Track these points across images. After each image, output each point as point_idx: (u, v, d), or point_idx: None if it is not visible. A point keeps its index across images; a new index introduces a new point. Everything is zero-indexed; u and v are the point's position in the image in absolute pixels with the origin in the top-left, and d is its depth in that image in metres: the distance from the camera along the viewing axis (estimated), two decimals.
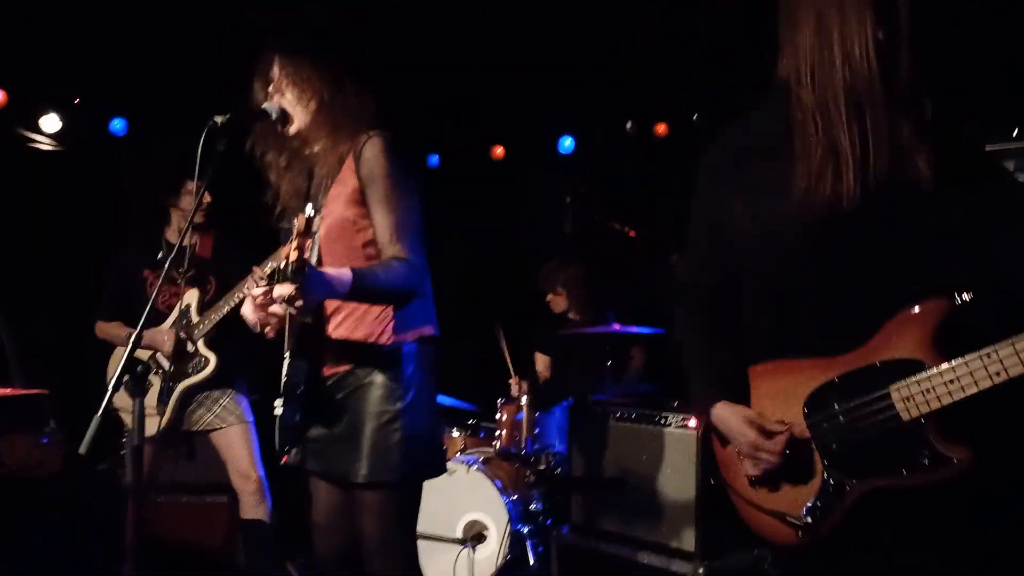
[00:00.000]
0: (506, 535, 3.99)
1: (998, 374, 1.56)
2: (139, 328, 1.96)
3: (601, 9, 4.86)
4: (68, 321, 4.46)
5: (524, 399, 4.44)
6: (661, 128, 5.83)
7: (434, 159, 6.60)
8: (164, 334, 3.64)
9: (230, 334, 3.61)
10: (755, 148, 1.80)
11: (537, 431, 4.41)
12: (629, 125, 6.03)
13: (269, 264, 3.16)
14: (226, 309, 3.57)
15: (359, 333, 2.32)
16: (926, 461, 1.62)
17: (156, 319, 3.73)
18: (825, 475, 1.72)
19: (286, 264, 1.96)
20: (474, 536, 4.06)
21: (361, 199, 2.29)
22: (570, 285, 5.16)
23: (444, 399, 4.70)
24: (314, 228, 2.18)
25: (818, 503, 1.72)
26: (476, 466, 4.16)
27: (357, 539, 2.34)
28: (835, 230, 1.68)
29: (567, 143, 6.24)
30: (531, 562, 4.06)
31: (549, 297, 5.23)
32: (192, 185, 3.73)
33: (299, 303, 2.00)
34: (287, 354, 2.24)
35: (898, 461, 1.65)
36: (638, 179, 5.63)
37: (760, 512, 1.81)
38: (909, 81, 1.65)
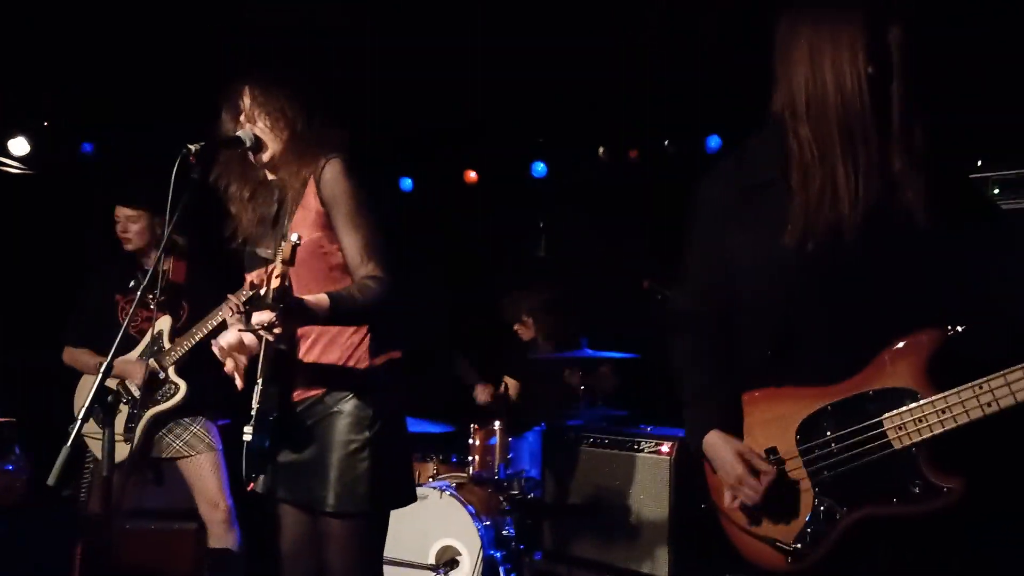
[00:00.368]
0: (479, 561, 3.97)
1: (989, 405, 1.58)
2: (110, 356, 1.94)
3: (574, 36, 4.91)
4: (35, 347, 4.40)
5: (497, 424, 4.43)
6: (633, 153, 5.88)
7: (407, 183, 6.61)
8: (135, 365, 3.60)
9: (201, 361, 3.57)
10: (753, 180, 1.82)
11: (510, 456, 4.40)
12: (601, 151, 6.08)
13: (244, 292, 3.16)
14: (199, 336, 3.53)
15: (330, 357, 2.32)
16: (917, 490, 1.63)
17: (127, 345, 3.68)
18: (816, 502, 1.74)
19: (266, 291, 1.96)
20: (447, 562, 4.03)
21: (326, 222, 2.30)
22: (535, 314, 5.16)
23: (416, 424, 4.69)
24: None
25: (808, 530, 1.73)
26: (449, 491, 4.15)
27: (323, 568, 2.32)
28: (832, 261, 1.70)
29: (540, 168, 6.27)
30: None
31: (516, 327, 5.23)
32: (124, 211, 3.71)
33: (278, 330, 1.99)
34: (259, 380, 2.23)
35: (889, 489, 1.66)
36: (610, 204, 5.67)
37: (750, 537, 1.82)
38: (901, 114, 1.68)
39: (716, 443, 1.85)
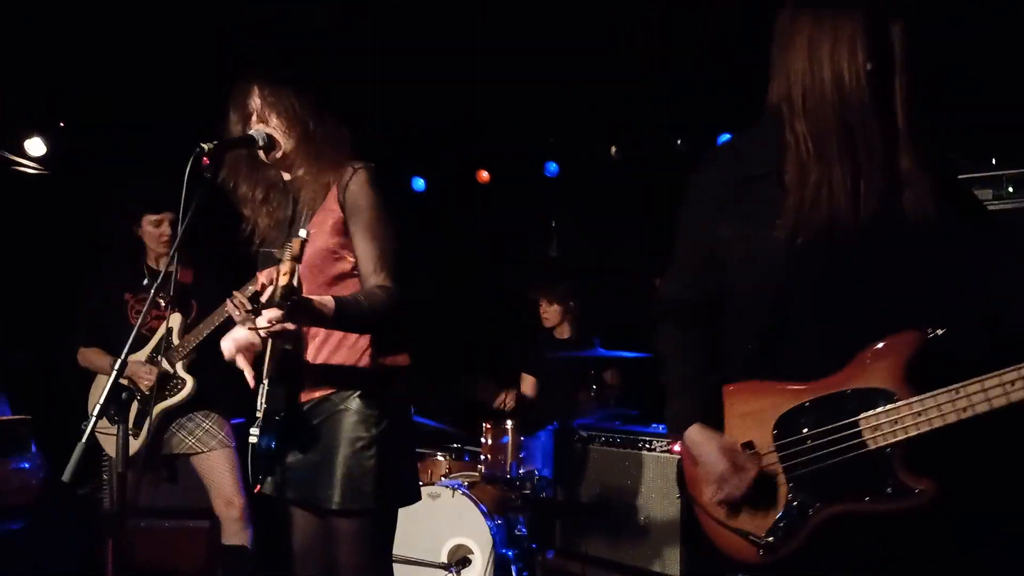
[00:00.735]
0: (491, 560, 3.98)
1: (964, 410, 1.59)
2: (124, 354, 1.96)
3: (587, 34, 4.91)
4: (50, 346, 4.43)
5: (509, 423, 4.44)
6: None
7: (420, 183, 6.62)
8: (144, 368, 3.63)
9: (210, 358, 3.59)
10: (747, 173, 1.82)
11: (522, 455, 4.40)
12: (613, 150, 6.08)
13: (249, 288, 3.19)
14: (206, 332, 3.57)
15: (336, 359, 2.33)
16: (889, 490, 1.65)
17: (138, 342, 3.69)
18: (790, 496, 1.75)
19: (274, 289, 1.97)
20: (459, 561, 4.04)
21: (344, 229, 2.31)
22: (563, 297, 5.20)
23: (428, 422, 4.70)
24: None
25: (781, 524, 1.75)
26: (461, 490, 4.15)
27: (332, 567, 2.33)
28: (821, 258, 1.70)
29: (552, 167, 6.28)
30: None
31: (542, 307, 5.25)
32: (152, 218, 3.76)
33: (289, 326, 2.01)
34: (266, 381, 2.24)
35: (862, 488, 1.67)
36: (622, 203, 5.67)
37: (724, 528, 1.83)
38: (907, 112, 1.67)
39: (699, 438, 1.85)
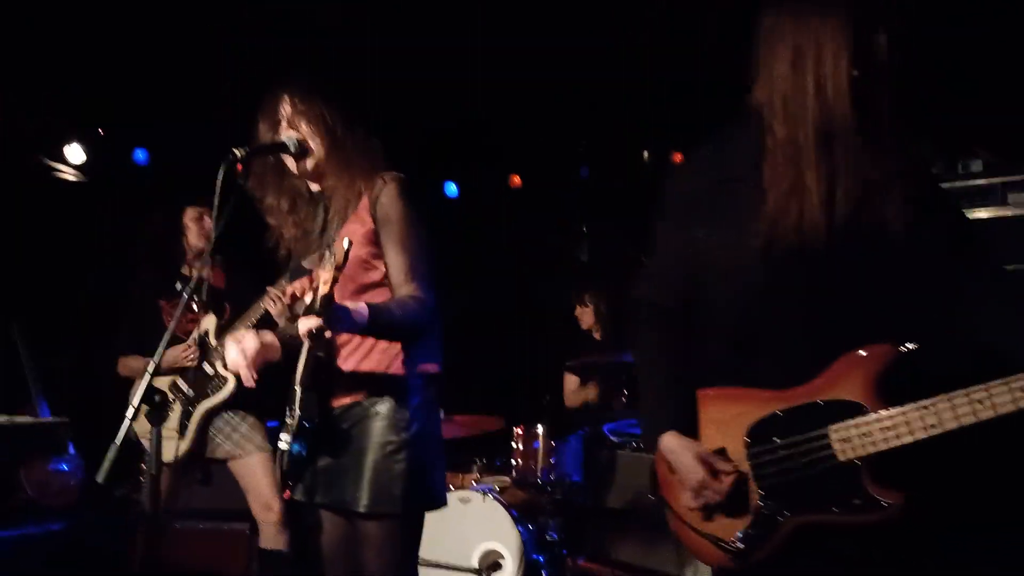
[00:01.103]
0: (522, 565, 3.97)
1: (933, 427, 1.58)
2: (158, 356, 1.99)
3: (620, 39, 4.90)
4: (91, 349, 4.51)
5: (540, 428, 4.43)
6: (678, 157, 5.85)
7: (452, 188, 6.65)
8: (183, 349, 3.67)
9: None
10: (726, 174, 1.79)
11: (553, 460, 4.40)
12: (646, 155, 6.07)
13: (281, 284, 3.24)
14: (242, 330, 3.60)
15: (367, 365, 2.34)
16: (857, 502, 1.64)
17: (173, 346, 3.76)
18: (760, 505, 1.74)
19: (314, 297, 1.98)
20: (490, 565, 4.04)
21: (375, 239, 2.33)
22: (597, 300, 5.24)
23: (461, 426, 4.71)
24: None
25: (751, 531, 1.74)
26: (492, 495, 4.15)
27: (360, 571, 2.34)
28: (796, 265, 1.69)
29: (584, 172, 6.28)
30: None
31: (577, 310, 5.29)
32: (192, 212, 3.82)
33: (326, 335, 2.03)
34: (298, 388, 2.26)
35: (831, 499, 1.67)
36: (655, 208, 5.64)
37: (695, 533, 1.82)
38: (885, 121, 1.65)
39: (674, 446, 1.83)
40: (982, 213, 2.65)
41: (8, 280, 4.89)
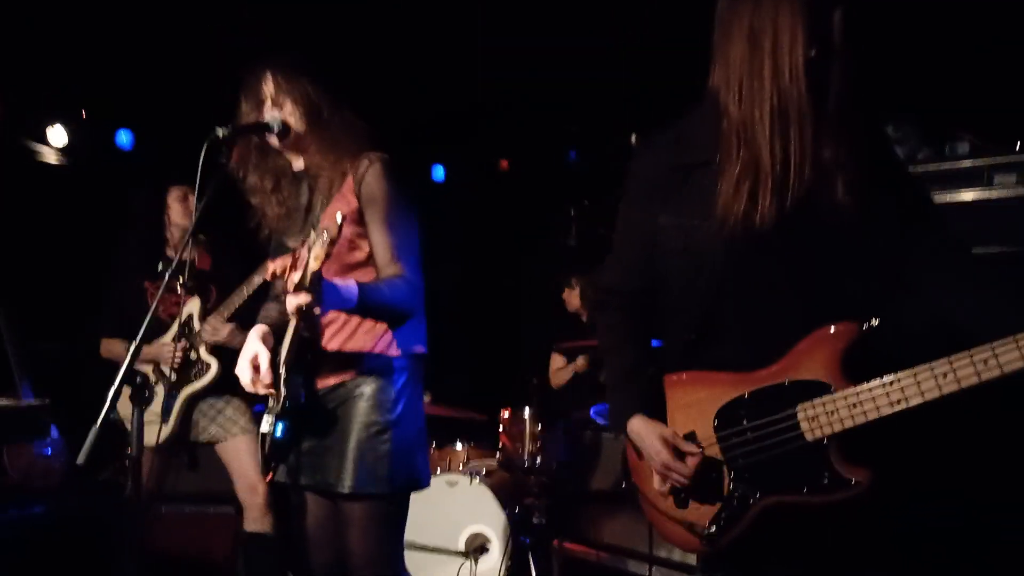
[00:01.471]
0: (508, 547, 3.98)
1: (898, 402, 1.59)
2: (139, 339, 1.97)
3: (607, 22, 4.88)
4: (74, 332, 4.48)
5: (527, 411, 4.44)
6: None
7: (440, 171, 6.62)
8: (168, 347, 3.66)
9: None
10: (686, 159, 1.80)
11: (539, 443, 4.40)
12: (634, 138, 6.04)
13: (255, 279, 3.25)
14: (226, 314, 3.59)
15: (352, 345, 2.33)
16: (826, 481, 1.66)
17: (158, 329, 3.74)
18: (732, 487, 1.76)
19: (303, 274, 1.97)
20: (476, 548, 4.05)
21: (360, 219, 2.31)
22: (584, 282, 5.26)
23: (448, 408, 4.71)
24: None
25: (723, 514, 1.76)
26: (478, 478, 4.16)
27: (345, 553, 2.33)
28: (751, 247, 1.69)
29: (572, 156, 6.26)
30: (533, 574, 4.05)
31: (564, 293, 5.31)
32: (177, 192, 3.79)
33: (316, 311, 2.01)
34: (283, 369, 2.24)
35: (800, 479, 1.68)
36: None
37: (667, 519, 1.84)
38: (839, 101, 1.65)
39: (641, 430, 1.85)
40: (968, 195, 2.65)
41: None
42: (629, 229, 1.94)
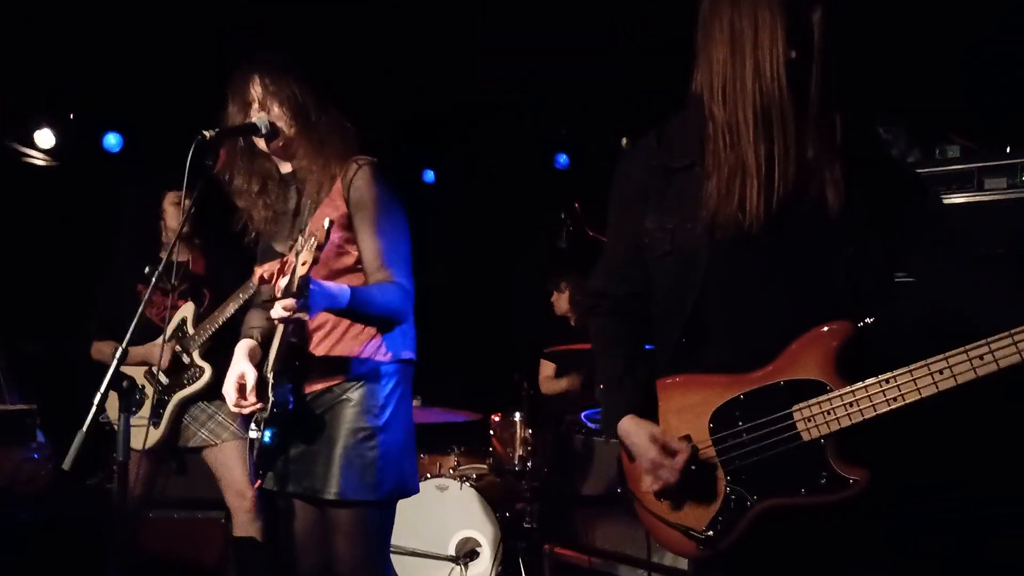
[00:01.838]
0: (499, 552, 3.97)
1: (895, 399, 1.59)
2: (125, 341, 1.95)
3: (599, 24, 4.88)
4: (61, 335, 4.45)
5: (517, 415, 4.42)
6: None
7: (430, 175, 6.61)
8: (159, 348, 3.63)
9: (225, 345, 3.59)
10: (670, 162, 1.80)
11: (530, 448, 4.39)
12: (624, 141, 6.04)
13: (266, 268, 3.21)
14: (221, 320, 3.57)
15: (339, 350, 2.32)
16: (824, 481, 1.65)
17: (151, 333, 3.72)
18: (728, 490, 1.74)
19: (291, 279, 1.96)
20: (467, 553, 4.03)
21: (348, 224, 2.30)
22: (573, 286, 5.27)
23: (437, 413, 4.69)
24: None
25: (720, 517, 1.74)
26: (469, 483, 4.15)
27: (332, 560, 2.32)
28: (740, 248, 1.70)
29: (562, 159, 6.26)
30: None
31: (553, 296, 5.30)
32: (173, 196, 3.79)
33: (303, 316, 2.00)
34: (270, 375, 2.23)
35: (798, 480, 1.67)
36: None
37: (663, 524, 1.82)
38: (820, 100, 1.66)
39: (630, 428, 1.84)
40: (959, 198, 2.66)
41: None
42: (617, 234, 1.95)
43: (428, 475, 4.28)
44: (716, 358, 1.77)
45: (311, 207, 2.35)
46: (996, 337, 1.51)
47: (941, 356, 1.55)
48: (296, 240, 1.99)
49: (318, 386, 2.32)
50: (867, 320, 1.66)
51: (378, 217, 2.28)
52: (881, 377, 1.60)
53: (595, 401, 4.58)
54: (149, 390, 3.68)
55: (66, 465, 1.80)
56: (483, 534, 4.03)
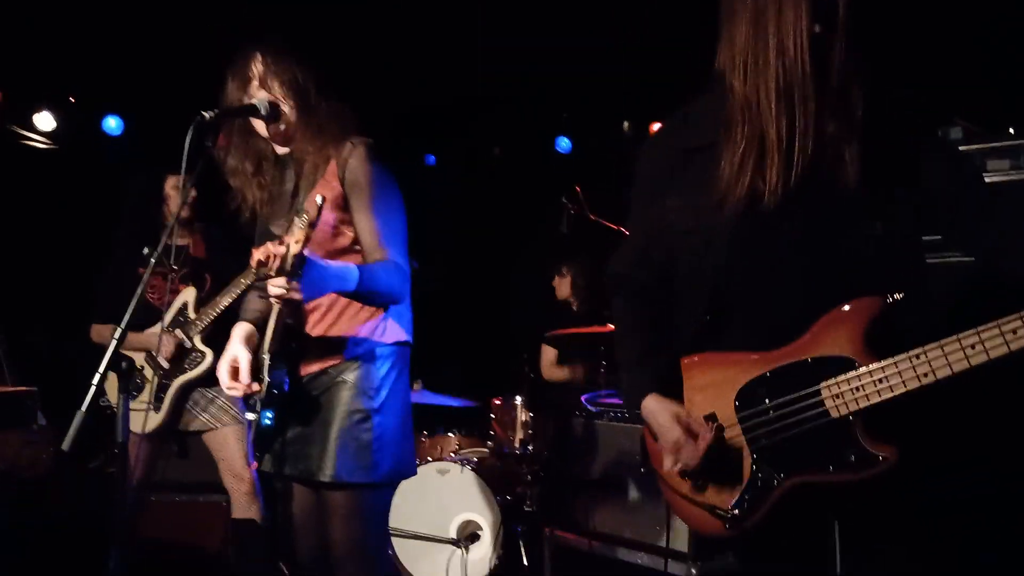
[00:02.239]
0: (499, 535, 3.98)
1: (926, 375, 1.56)
2: (124, 321, 1.95)
3: (601, 11, 4.85)
4: (61, 318, 4.45)
5: (518, 399, 4.43)
6: (657, 128, 5.82)
7: (431, 159, 6.60)
8: (162, 337, 3.63)
9: (227, 331, 3.59)
10: (694, 141, 1.79)
11: (531, 431, 4.40)
12: (626, 125, 6.03)
13: (262, 250, 3.20)
14: (222, 304, 3.56)
15: (335, 332, 2.31)
16: (853, 459, 1.63)
17: (152, 316, 3.72)
18: (754, 468, 1.73)
19: (284, 258, 1.94)
20: (467, 536, 4.05)
21: (344, 205, 2.29)
22: (575, 271, 5.25)
23: (438, 398, 4.70)
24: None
25: (746, 496, 1.73)
26: (470, 466, 4.15)
27: (329, 542, 2.31)
28: (763, 225, 1.68)
29: (564, 143, 6.23)
30: (524, 562, 4.05)
31: (555, 280, 5.29)
32: (174, 180, 3.77)
33: (295, 297, 1.99)
34: (266, 356, 2.22)
35: (826, 458, 1.65)
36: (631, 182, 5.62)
37: (689, 503, 1.81)
38: (843, 76, 1.64)
39: (654, 408, 1.83)
40: None
41: None
42: (639, 215, 1.93)
43: (429, 458, 4.29)
44: (740, 336, 1.75)
45: (308, 188, 2.34)
46: None
47: (973, 331, 1.53)
48: (293, 220, 1.98)
49: (314, 367, 2.32)
50: (896, 296, 1.63)
51: (374, 197, 2.27)
52: (911, 353, 1.57)
53: (597, 386, 4.59)
54: (149, 373, 3.68)
55: (65, 446, 1.79)
56: (484, 517, 4.04)
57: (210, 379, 3.68)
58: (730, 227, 1.70)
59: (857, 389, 1.62)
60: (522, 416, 4.40)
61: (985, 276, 1.75)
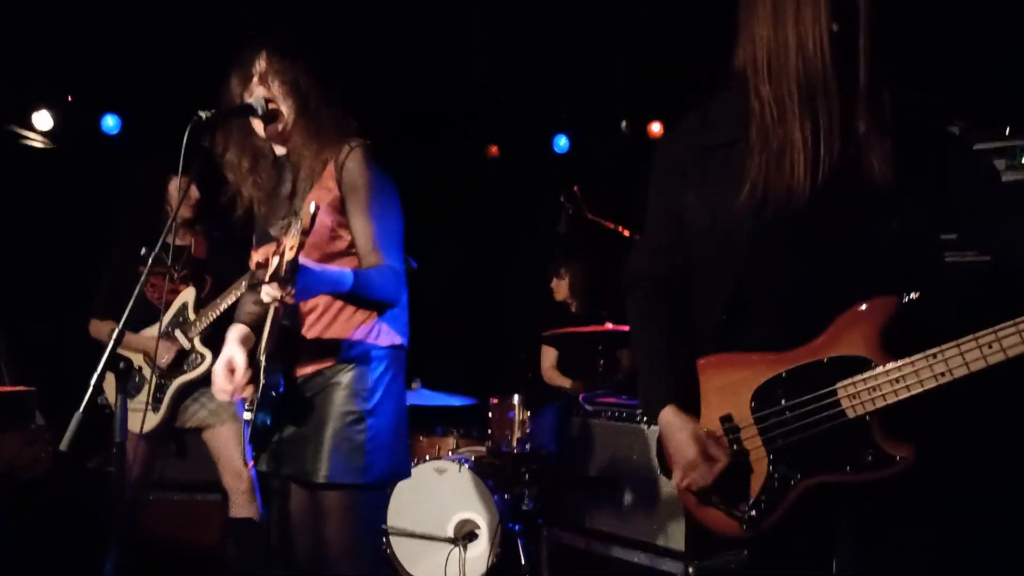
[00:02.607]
0: (497, 534, 3.98)
1: (943, 375, 1.57)
2: (122, 322, 1.95)
3: (598, 8, 4.85)
4: (61, 319, 4.45)
5: (516, 398, 4.43)
6: (655, 127, 5.83)
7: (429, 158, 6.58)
8: (161, 344, 3.63)
9: (226, 331, 3.60)
10: (713, 139, 1.79)
11: (529, 430, 4.40)
12: (624, 125, 6.03)
13: (261, 253, 3.20)
14: (223, 306, 3.57)
15: (330, 333, 2.32)
16: (870, 459, 1.63)
17: (152, 315, 3.72)
18: (771, 469, 1.72)
19: (279, 263, 1.95)
20: (465, 535, 4.05)
21: (341, 207, 2.29)
22: (573, 272, 5.25)
23: (436, 397, 4.70)
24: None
25: (763, 497, 1.72)
26: (467, 465, 4.16)
27: (323, 542, 2.32)
28: (785, 224, 1.67)
29: (562, 142, 6.23)
30: (522, 561, 4.05)
31: (553, 282, 5.29)
32: (178, 181, 3.76)
33: (289, 301, 2.00)
34: (263, 357, 2.23)
35: (842, 458, 1.65)
36: (633, 178, 5.62)
37: (705, 503, 1.80)
38: (865, 74, 1.64)
39: (672, 422, 1.82)
40: None
41: None
42: (657, 213, 1.92)
43: (427, 457, 4.29)
44: (758, 335, 1.75)
45: (305, 190, 2.34)
46: None
47: (990, 330, 1.53)
48: (289, 224, 1.98)
49: (309, 369, 2.32)
50: (912, 295, 1.63)
51: (370, 200, 2.27)
52: (928, 352, 1.58)
53: (592, 387, 4.59)
54: (147, 373, 3.68)
55: (63, 446, 1.80)
56: (482, 516, 4.05)
57: (209, 380, 3.68)
58: (751, 226, 1.70)
59: (873, 389, 1.62)
60: (520, 415, 4.40)
61: (1002, 275, 1.75)
